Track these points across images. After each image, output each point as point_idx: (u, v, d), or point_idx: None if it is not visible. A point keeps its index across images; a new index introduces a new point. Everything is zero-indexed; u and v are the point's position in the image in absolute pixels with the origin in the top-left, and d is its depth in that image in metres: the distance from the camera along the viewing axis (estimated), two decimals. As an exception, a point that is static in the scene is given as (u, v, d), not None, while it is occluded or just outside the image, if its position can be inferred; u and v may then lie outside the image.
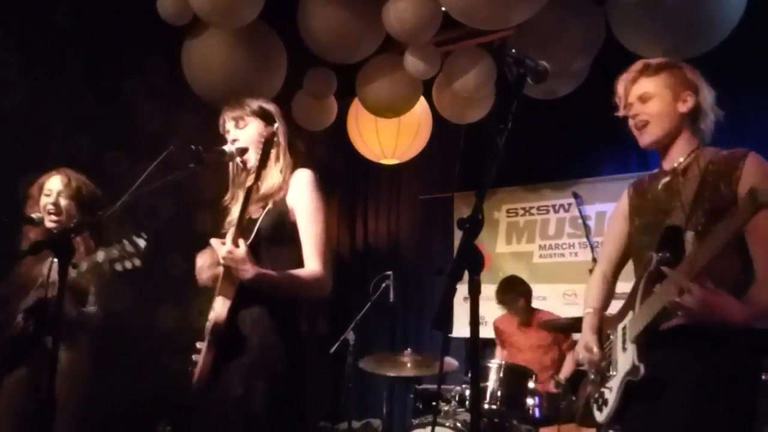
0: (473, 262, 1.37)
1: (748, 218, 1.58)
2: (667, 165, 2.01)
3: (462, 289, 1.34)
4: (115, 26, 4.40)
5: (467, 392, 3.72)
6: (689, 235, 1.82)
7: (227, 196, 2.29)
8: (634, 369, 1.84)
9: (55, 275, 1.90)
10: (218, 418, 1.98)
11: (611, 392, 1.95)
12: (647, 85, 1.99)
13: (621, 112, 2.07)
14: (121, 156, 4.48)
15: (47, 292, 2.47)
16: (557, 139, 5.60)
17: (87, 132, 4.31)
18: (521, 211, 5.78)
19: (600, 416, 2.02)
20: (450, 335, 4.88)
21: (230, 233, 2.02)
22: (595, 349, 2.07)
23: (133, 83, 4.66)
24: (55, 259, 1.85)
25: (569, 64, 4.13)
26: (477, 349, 1.49)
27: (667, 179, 1.99)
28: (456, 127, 5.09)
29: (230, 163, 2.27)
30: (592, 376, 2.10)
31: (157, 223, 4.69)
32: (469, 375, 3.61)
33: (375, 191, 6.71)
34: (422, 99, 5.07)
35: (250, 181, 2.09)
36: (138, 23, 4.33)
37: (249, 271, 1.97)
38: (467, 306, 1.39)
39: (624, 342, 1.95)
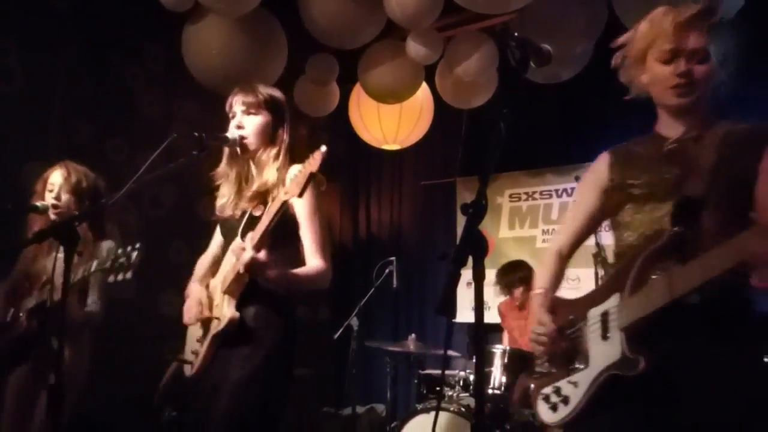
0: (477, 248, 1.35)
1: None
2: (671, 131, 1.74)
3: (465, 274, 1.34)
4: (114, 12, 4.37)
5: (471, 377, 3.73)
6: (711, 215, 1.54)
7: (220, 171, 2.27)
8: (625, 362, 1.57)
9: (58, 275, 1.90)
10: (209, 397, 2.04)
11: (576, 388, 1.68)
12: (707, 39, 1.66)
13: (653, 56, 1.73)
14: (122, 143, 4.47)
15: (52, 294, 2.50)
16: (560, 124, 5.56)
17: (87, 119, 4.30)
18: (524, 196, 5.76)
19: (552, 416, 1.73)
20: (454, 321, 4.89)
21: (249, 238, 2.02)
22: (549, 322, 1.76)
23: (134, 70, 4.65)
24: (59, 255, 1.86)
25: (572, 48, 4.11)
26: (481, 335, 1.49)
27: (673, 146, 1.71)
28: (458, 113, 5.07)
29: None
30: (539, 368, 1.82)
31: (159, 210, 4.69)
32: (474, 360, 3.62)
33: (377, 177, 6.71)
34: (424, 84, 5.04)
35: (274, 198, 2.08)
36: (137, 9, 4.31)
37: (271, 275, 2.02)
38: (470, 291, 1.38)
39: (605, 330, 1.66)
